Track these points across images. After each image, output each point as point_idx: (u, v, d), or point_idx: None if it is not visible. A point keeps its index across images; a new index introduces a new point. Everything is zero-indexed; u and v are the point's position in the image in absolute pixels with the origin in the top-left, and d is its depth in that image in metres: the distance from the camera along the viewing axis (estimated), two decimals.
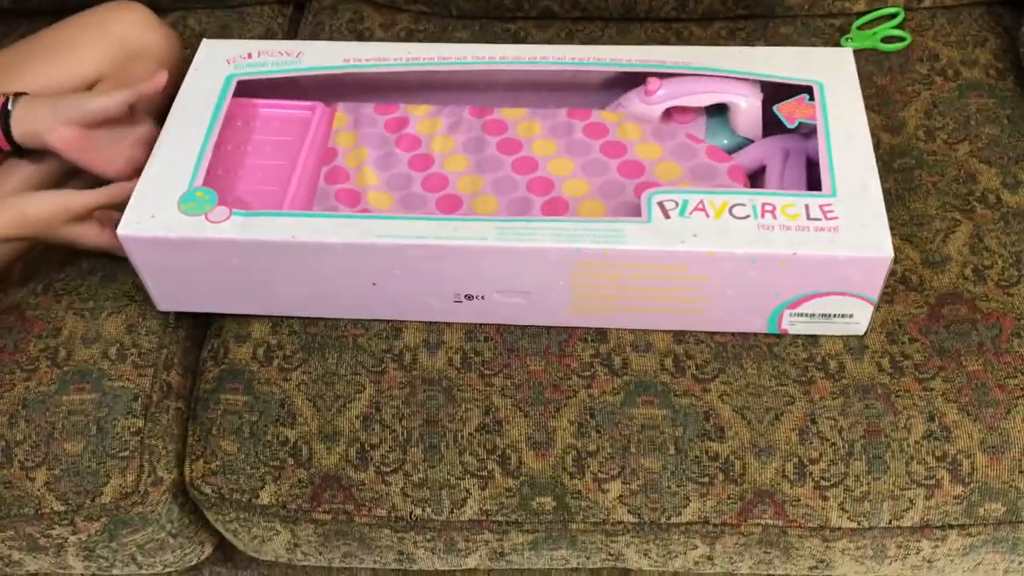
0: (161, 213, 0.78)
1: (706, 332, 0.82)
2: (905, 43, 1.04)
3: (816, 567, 0.82)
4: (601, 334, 0.83)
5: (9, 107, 0.82)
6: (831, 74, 0.86)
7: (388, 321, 0.85)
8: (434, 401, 0.81)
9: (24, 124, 0.82)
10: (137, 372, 0.84)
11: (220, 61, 0.89)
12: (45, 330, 0.86)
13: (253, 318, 0.87)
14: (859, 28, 1.06)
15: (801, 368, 0.80)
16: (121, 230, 0.78)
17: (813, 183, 0.81)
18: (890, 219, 0.87)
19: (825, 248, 0.74)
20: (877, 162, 0.92)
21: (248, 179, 0.86)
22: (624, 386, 0.80)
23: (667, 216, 0.76)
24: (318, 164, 0.88)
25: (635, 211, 0.78)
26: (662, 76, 0.87)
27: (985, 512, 0.76)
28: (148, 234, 0.78)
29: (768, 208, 0.76)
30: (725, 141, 0.89)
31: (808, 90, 0.85)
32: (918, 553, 0.79)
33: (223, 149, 0.85)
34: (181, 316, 0.89)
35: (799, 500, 0.77)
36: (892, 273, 0.85)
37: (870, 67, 1.02)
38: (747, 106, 0.87)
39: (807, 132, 0.85)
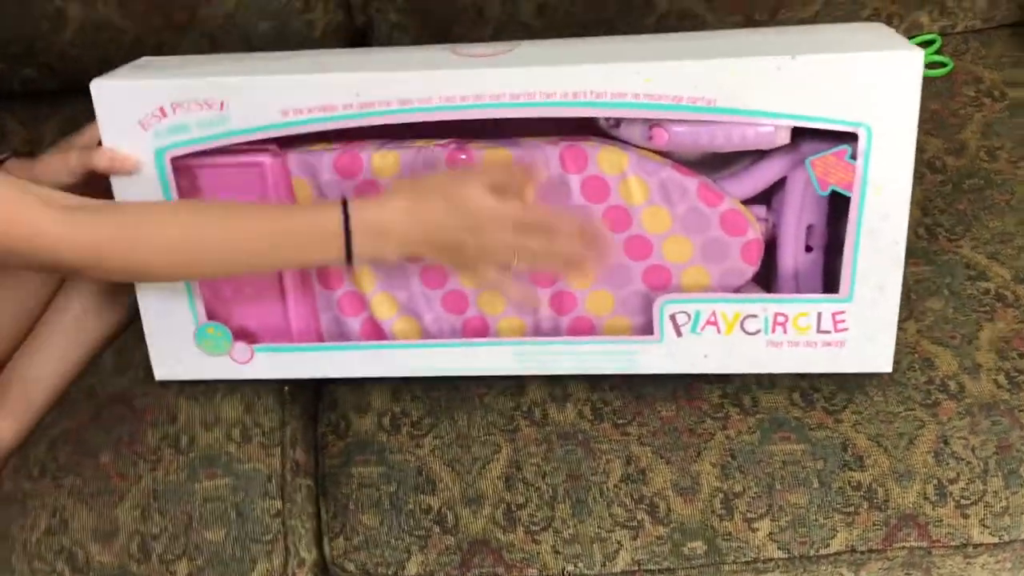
0: (185, 356, 0.83)
1: None
2: (948, 68, 1.09)
3: None
4: (724, 375, 0.84)
5: None
6: (887, 108, 0.71)
7: (510, 378, 0.85)
8: (573, 455, 0.81)
9: None
10: (265, 452, 0.83)
11: (131, 124, 0.75)
12: (160, 417, 0.84)
13: (370, 387, 0.86)
14: None
15: (924, 392, 0.83)
16: (159, 375, 0.83)
17: (834, 208, 0.78)
18: (972, 238, 0.92)
19: (827, 366, 0.79)
20: (947, 185, 0.97)
21: (234, 287, 0.82)
22: (759, 424, 0.82)
23: (679, 333, 0.78)
24: None
25: (644, 304, 0.80)
26: (670, 121, 0.74)
27: None
28: (187, 377, 0.82)
29: (780, 320, 0.78)
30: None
31: (852, 137, 0.72)
32: None
33: None
34: (295, 391, 0.88)
35: (941, 521, 0.79)
36: (987, 291, 0.88)
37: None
38: (771, 148, 0.76)
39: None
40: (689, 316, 0.78)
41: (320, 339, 0.84)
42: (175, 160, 0.76)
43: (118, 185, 0.77)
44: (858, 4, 1.06)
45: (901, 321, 0.86)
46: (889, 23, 1.08)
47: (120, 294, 0.86)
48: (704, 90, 0.71)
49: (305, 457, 0.85)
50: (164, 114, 0.75)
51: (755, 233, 0.79)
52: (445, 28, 1.05)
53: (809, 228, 0.80)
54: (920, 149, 0.98)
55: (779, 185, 0.80)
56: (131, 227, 0.70)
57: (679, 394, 0.84)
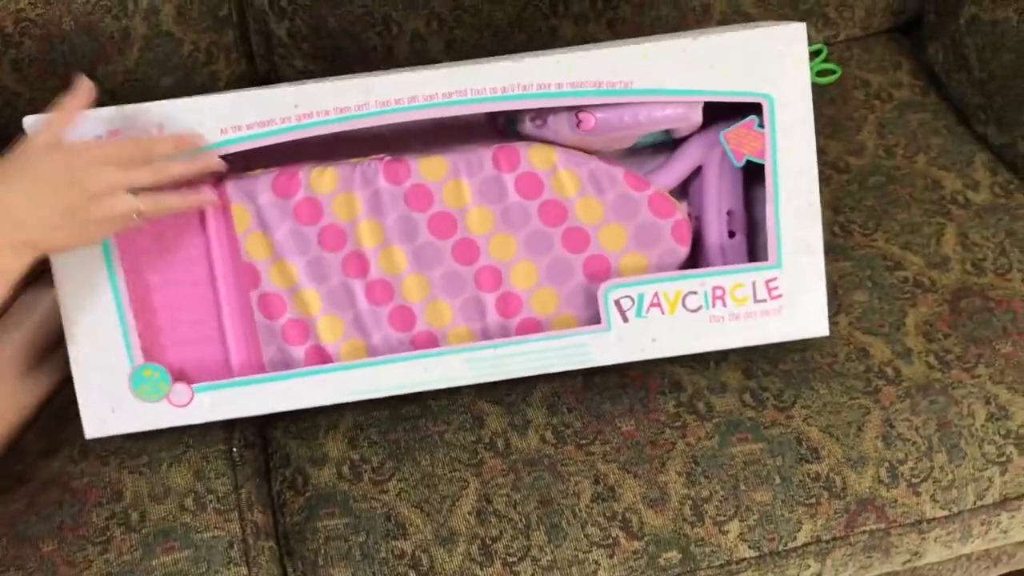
0: (119, 405, 0.78)
1: (770, 363, 0.87)
2: (837, 75, 1.14)
3: (909, 560, 0.88)
4: (676, 384, 0.86)
5: None
6: (782, 77, 0.78)
7: (466, 412, 0.85)
8: (542, 481, 0.81)
9: None
10: (223, 518, 0.79)
11: None
12: (104, 496, 0.80)
13: (323, 437, 0.84)
14: None
15: (864, 380, 0.86)
16: (89, 433, 0.78)
17: (750, 177, 0.84)
18: (884, 231, 0.97)
19: (769, 336, 0.82)
20: (852, 184, 1.02)
21: (170, 324, 0.80)
22: (716, 428, 0.83)
23: (625, 319, 0.80)
24: (243, 289, 0.81)
25: (587, 297, 0.82)
26: (593, 107, 0.78)
27: None
28: (119, 431, 0.78)
29: (719, 294, 0.81)
30: (649, 139, 0.85)
31: (757, 108, 0.79)
32: (998, 526, 0.86)
33: (128, 283, 0.77)
34: (244, 449, 0.85)
35: (896, 501, 0.82)
36: (905, 280, 0.93)
37: (813, 100, 1.11)
38: (688, 127, 0.82)
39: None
40: (633, 300, 0.80)
41: (263, 372, 0.82)
42: None
43: None
44: (746, 19, 1.11)
45: (832, 315, 0.90)
46: None
47: (32, 374, 0.80)
48: (621, 74, 0.77)
49: (264, 518, 0.82)
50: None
51: (682, 214, 0.83)
52: (353, 71, 1.04)
53: (729, 214, 0.85)
54: (822, 152, 1.05)
55: (696, 179, 0.85)
56: None
57: (636, 408, 0.85)
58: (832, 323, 0.90)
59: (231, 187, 0.79)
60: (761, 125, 0.79)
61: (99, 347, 0.77)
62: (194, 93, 1.00)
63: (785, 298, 0.81)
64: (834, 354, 0.88)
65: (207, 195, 0.78)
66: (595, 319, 0.81)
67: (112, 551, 0.76)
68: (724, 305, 0.81)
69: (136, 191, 0.70)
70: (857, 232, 0.97)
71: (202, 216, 0.79)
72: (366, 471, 0.82)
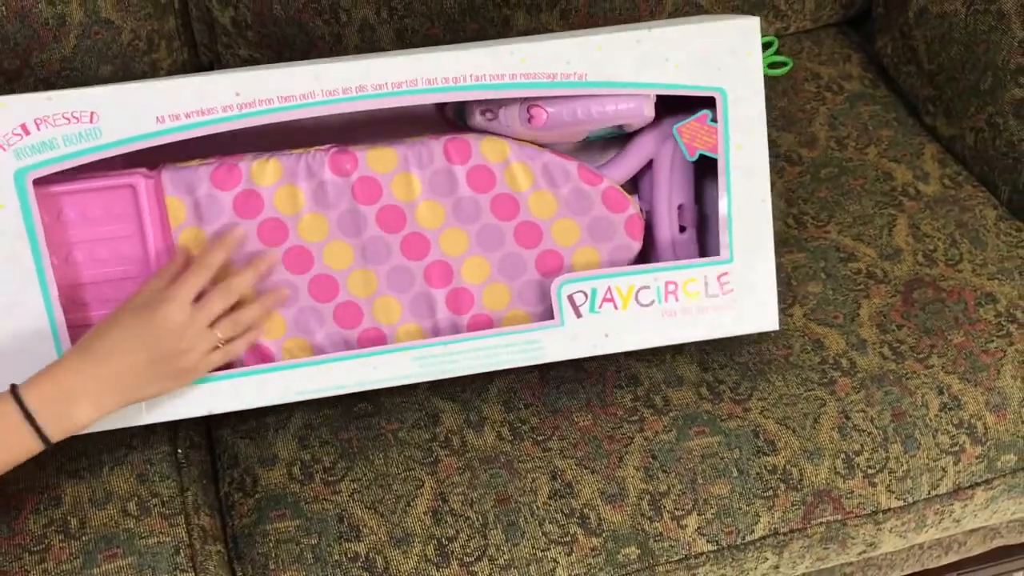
0: None
1: (725, 356, 0.87)
2: (788, 67, 1.15)
3: (865, 551, 0.88)
4: (633, 378, 0.85)
5: None
6: (735, 70, 0.77)
7: (421, 409, 0.83)
8: (498, 478, 0.79)
9: None
10: (168, 523, 0.76)
11: None
12: (41, 501, 0.76)
13: (272, 437, 0.82)
14: None
15: (819, 371, 0.86)
16: None
17: (700, 172, 0.84)
18: (837, 223, 0.97)
19: (721, 330, 0.81)
20: (805, 176, 1.02)
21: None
22: (673, 422, 0.83)
23: (579, 314, 0.79)
24: None
25: (540, 293, 0.80)
26: (543, 99, 0.76)
27: (1002, 465, 0.85)
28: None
29: (671, 288, 0.80)
30: (600, 133, 0.82)
31: (710, 102, 0.78)
32: (951, 515, 0.87)
33: (58, 278, 0.73)
34: (190, 450, 0.82)
35: (852, 492, 0.82)
36: (858, 271, 0.93)
37: (765, 92, 1.11)
38: (639, 122, 0.80)
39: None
40: (586, 295, 0.79)
41: None
42: (38, 190, 0.71)
43: None
44: (699, 11, 1.11)
45: (787, 307, 0.90)
46: None
47: None
48: (576, 66, 0.75)
49: (211, 521, 0.79)
50: (26, 131, 0.70)
51: (635, 208, 0.82)
52: (300, 60, 1.01)
53: (680, 208, 0.84)
54: (775, 144, 1.05)
55: (647, 173, 0.84)
56: None
57: (593, 403, 0.84)
58: (787, 315, 0.90)
59: (166, 177, 0.76)
60: (714, 120, 0.79)
61: (26, 341, 0.73)
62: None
63: (736, 292, 0.81)
64: (789, 346, 0.88)
65: (279, 294, 0.77)
66: (548, 315, 0.80)
67: (51, 560, 0.73)
68: (676, 300, 0.80)
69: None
70: (810, 224, 0.97)
71: (136, 207, 0.75)
72: (317, 471, 0.80)
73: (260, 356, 0.78)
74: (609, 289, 0.79)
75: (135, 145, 0.72)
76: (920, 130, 1.07)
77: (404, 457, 0.80)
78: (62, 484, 0.77)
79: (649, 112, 0.79)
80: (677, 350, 0.87)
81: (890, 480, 0.83)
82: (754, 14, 1.13)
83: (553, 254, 0.81)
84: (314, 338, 0.79)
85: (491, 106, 0.79)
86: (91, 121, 0.71)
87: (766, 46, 1.17)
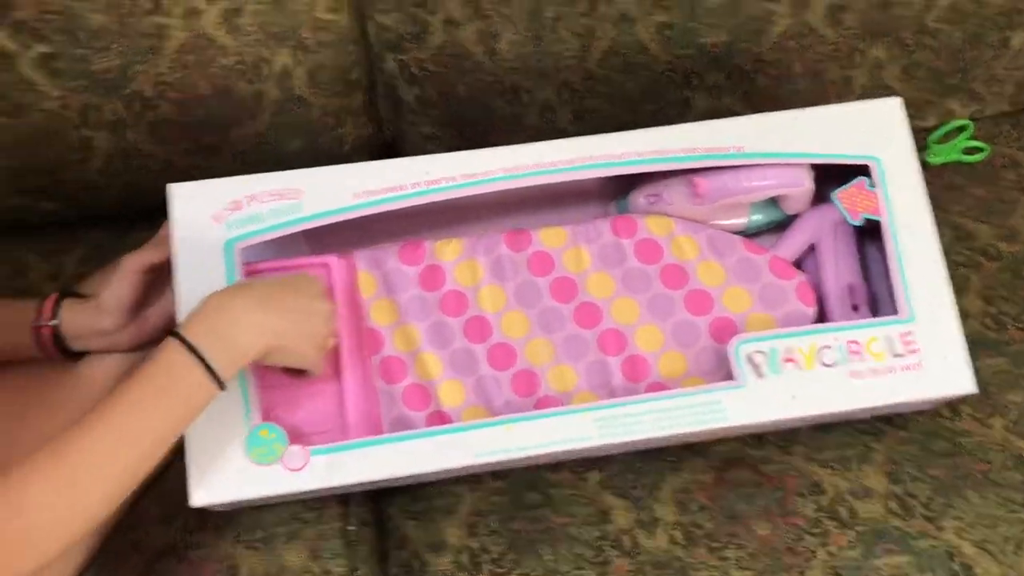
0: (230, 469, 0.73)
1: (917, 467, 0.81)
2: (985, 153, 1.09)
3: None
4: (815, 486, 0.81)
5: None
6: (885, 140, 0.81)
7: (591, 504, 0.81)
8: None
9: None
10: None
11: (203, 219, 0.77)
12: (219, 570, 0.78)
13: (442, 521, 0.81)
14: (936, 143, 1.10)
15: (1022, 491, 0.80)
16: (196, 500, 0.72)
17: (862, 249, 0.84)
18: None
19: (913, 394, 0.76)
20: (1005, 272, 0.96)
21: (289, 389, 0.78)
22: (859, 537, 0.78)
23: (760, 375, 0.76)
24: (364, 353, 0.80)
25: (717, 360, 0.79)
26: (705, 170, 0.81)
27: None
28: (229, 498, 0.73)
29: (854, 349, 0.76)
30: (762, 217, 0.86)
31: (865, 170, 0.81)
32: None
33: None
34: (360, 529, 0.82)
35: None
36: None
37: (959, 179, 1.05)
38: (800, 193, 0.83)
39: None
40: (766, 355, 0.76)
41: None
42: (246, 266, 0.77)
43: (185, 284, 0.75)
44: (889, 93, 1.06)
45: (986, 417, 0.84)
46: (920, 111, 1.08)
47: None
48: (734, 141, 0.80)
49: None
50: (239, 206, 0.77)
51: (803, 277, 0.83)
52: (481, 138, 1.03)
53: (850, 288, 0.83)
54: (970, 236, 0.99)
55: (811, 257, 0.85)
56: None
57: (772, 510, 0.80)
58: (986, 426, 0.84)
59: (358, 256, 0.82)
60: (872, 185, 0.80)
61: (216, 406, 0.74)
62: (320, 155, 1.00)
63: (923, 352, 0.77)
64: (988, 460, 0.82)
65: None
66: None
67: None
68: (861, 359, 0.76)
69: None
70: (1011, 325, 0.91)
71: (328, 281, 0.80)
72: (485, 562, 0.79)
73: (440, 423, 0.78)
74: (789, 348, 0.76)
75: (332, 218, 0.77)
76: None
77: (574, 555, 0.78)
78: (239, 554, 0.79)
79: (808, 181, 0.81)
80: (864, 458, 0.82)
81: None
82: (948, 97, 1.09)
83: (727, 321, 0.81)
84: (493, 405, 0.79)
85: (654, 189, 0.83)
86: (296, 198, 0.77)
87: (960, 130, 1.11)
